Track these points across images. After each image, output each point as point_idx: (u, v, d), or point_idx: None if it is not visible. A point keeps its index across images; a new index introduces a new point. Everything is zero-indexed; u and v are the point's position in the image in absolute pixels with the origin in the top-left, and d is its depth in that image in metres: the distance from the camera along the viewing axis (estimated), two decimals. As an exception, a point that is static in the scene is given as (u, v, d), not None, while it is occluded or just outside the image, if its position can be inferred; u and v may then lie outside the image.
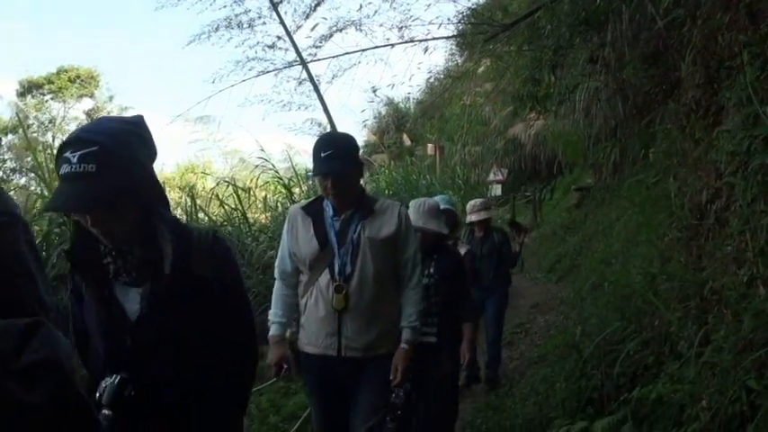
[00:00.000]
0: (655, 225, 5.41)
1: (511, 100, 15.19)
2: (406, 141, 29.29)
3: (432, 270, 4.51)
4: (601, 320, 5.07)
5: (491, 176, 20.78)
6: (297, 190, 13.39)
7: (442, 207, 4.92)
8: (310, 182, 14.05)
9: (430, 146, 25.09)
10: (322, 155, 3.30)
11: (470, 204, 7.43)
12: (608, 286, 5.69)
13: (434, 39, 11.90)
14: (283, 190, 12.83)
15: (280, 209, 12.58)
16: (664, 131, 5.73)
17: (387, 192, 14.90)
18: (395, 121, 31.86)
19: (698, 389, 3.08)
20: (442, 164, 23.42)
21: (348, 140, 3.50)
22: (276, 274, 3.64)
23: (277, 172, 13.55)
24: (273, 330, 3.53)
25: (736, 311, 3.13)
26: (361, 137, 32.80)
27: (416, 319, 3.46)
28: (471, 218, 7.22)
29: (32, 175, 9.99)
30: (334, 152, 3.30)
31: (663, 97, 6.69)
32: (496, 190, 20.53)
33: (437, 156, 24.03)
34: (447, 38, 13.31)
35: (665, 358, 3.79)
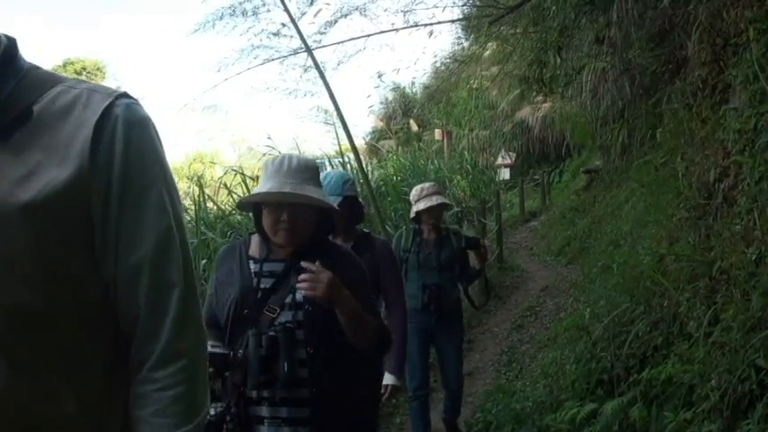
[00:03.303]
0: (663, 206, 5.40)
1: (518, 83, 15.17)
2: (414, 127, 29.20)
3: (294, 293, 2.34)
4: (610, 302, 5.06)
5: (499, 160, 20.79)
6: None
7: (339, 193, 3.30)
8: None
9: (437, 131, 25.05)
10: None
11: (416, 189, 4.99)
12: (617, 268, 5.68)
13: (439, 23, 11.83)
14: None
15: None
16: (671, 111, 5.71)
17: (395, 178, 14.85)
18: (402, 107, 31.72)
19: (707, 369, 3.08)
20: (449, 149, 23.39)
21: None
22: None
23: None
24: None
25: (745, 290, 3.12)
26: (367, 123, 32.82)
27: None
28: (419, 206, 4.82)
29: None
30: None
31: (669, 76, 6.66)
32: (505, 174, 20.55)
33: (445, 141, 24.00)
34: (452, 21, 13.23)
35: (674, 339, 3.78)
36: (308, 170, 2.47)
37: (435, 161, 18.93)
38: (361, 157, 14.23)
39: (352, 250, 3.04)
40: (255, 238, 2.52)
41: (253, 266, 2.42)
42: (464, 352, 6.38)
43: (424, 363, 4.90)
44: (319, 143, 30.17)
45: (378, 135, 29.73)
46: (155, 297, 1.18)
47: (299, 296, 2.33)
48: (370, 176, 12.97)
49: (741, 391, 2.77)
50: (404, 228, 5.32)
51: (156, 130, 1.23)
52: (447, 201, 5.09)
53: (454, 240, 4.94)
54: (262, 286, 2.36)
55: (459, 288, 5.19)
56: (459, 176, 18.53)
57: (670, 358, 3.58)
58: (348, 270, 2.44)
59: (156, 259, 1.18)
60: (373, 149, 24.37)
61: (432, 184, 5.20)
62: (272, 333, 2.24)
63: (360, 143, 19.08)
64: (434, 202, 4.78)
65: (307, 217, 2.39)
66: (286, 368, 2.21)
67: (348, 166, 13.11)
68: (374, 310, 2.59)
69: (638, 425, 3.44)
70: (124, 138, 1.15)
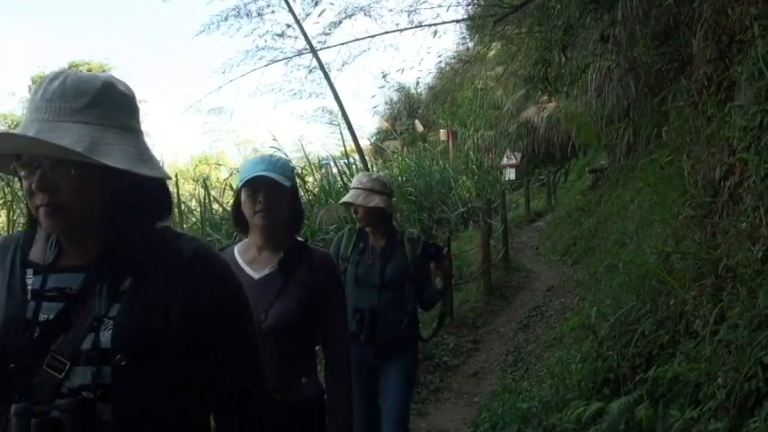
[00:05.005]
0: (669, 204, 5.37)
1: (522, 83, 15.16)
2: (419, 127, 29.21)
3: (99, 330, 1.30)
4: (616, 301, 5.04)
5: (504, 160, 20.82)
6: (310, 179, 13.45)
7: (289, 176, 2.58)
8: (324, 170, 14.11)
9: (443, 131, 25.06)
10: None
11: (357, 176, 4.01)
12: (623, 267, 5.65)
13: (444, 23, 11.86)
14: (296, 179, 12.87)
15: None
16: (676, 109, 5.69)
17: (400, 179, 14.87)
18: (406, 108, 31.75)
19: (714, 367, 3.07)
20: (455, 149, 23.39)
21: None
22: None
23: (290, 161, 13.58)
24: None
25: (752, 288, 3.10)
26: (372, 124, 32.85)
27: None
28: (345, 198, 3.86)
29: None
30: None
31: (675, 74, 6.65)
32: (510, 174, 20.56)
33: (450, 141, 23.99)
34: (456, 21, 13.25)
35: (680, 337, 3.76)
36: (84, 94, 1.27)
37: (440, 162, 18.95)
38: (366, 157, 14.27)
39: (282, 264, 2.33)
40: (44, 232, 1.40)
41: (31, 280, 1.36)
42: (468, 353, 6.36)
43: (369, 409, 3.70)
44: (324, 144, 30.24)
45: (383, 136, 29.75)
46: None
47: (105, 337, 1.28)
48: (375, 177, 12.98)
49: (748, 390, 2.76)
50: (346, 229, 4.01)
51: None
52: (378, 204, 3.67)
53: (409, 250, 3.74)
54: (42, 317, 1.31)
55: (412, 309, 3.79)
56: (464, 177, 18.55)
57: (676, 357, 3.56)
58: (202, 290, 1.38)
59: None
60: (378, 150, 24.41)
61: (376, 176, 3.86)
62: (53, 413, 1.22)
63: (365, 144, 19.15)
64: (361, 201, 3.68)
65: (88, 184, 1.27)
66: None
67: (353, 166, 13.15)
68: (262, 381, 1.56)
69: (645, 424, 3.42)
70: None
